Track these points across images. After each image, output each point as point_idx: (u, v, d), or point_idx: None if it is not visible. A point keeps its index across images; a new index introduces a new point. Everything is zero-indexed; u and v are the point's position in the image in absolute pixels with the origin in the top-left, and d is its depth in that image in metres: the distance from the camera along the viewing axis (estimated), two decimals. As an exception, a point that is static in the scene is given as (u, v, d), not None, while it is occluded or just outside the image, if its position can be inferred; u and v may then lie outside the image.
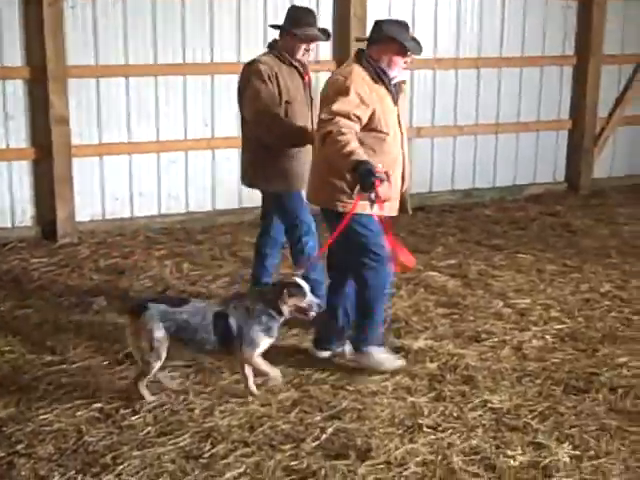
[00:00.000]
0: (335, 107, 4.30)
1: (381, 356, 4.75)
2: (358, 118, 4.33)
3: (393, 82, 4.54)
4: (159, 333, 4.19)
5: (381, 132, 4.46)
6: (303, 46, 5.24)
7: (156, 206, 7.67)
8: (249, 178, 5.44)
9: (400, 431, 4.06)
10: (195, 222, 7.69)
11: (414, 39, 4.55)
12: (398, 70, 4.53)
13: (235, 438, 3.95)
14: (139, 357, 4.27)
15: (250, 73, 5.17)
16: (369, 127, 4.42)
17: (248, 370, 4.38)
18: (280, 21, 5.37)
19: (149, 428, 4.03)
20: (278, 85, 5.13)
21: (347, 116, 4.29)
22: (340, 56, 7.81)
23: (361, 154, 4.19)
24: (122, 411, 4.19)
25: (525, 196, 9.02)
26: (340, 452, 3.85)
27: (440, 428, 4.09)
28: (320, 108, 4.50)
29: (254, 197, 7.89)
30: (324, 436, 3.98)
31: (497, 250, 7.06)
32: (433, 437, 4.01)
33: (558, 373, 4.72)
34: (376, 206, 4.31)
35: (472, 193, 8.83)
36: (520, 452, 3.89)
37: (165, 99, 7.54)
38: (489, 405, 4.34)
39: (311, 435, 3.99)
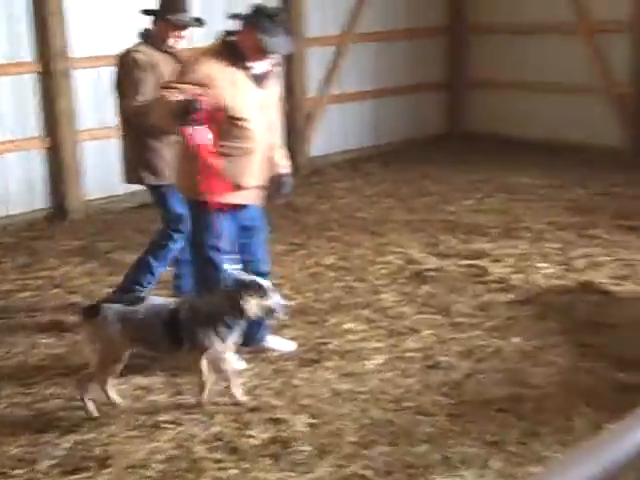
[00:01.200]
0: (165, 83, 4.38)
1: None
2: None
3: (253, 72, 4.39)
4: (117, 335, 3.99)
5: (235, 118, 4.31)
6: (175, 33, 5.12)
7: None
8: (133, 173, 5.25)
9: (141, 432, 3.99)
10: None
11: (287, 32, 4.40)
12: (258, 63, 4.38)
13: (-41, 473, 3.69)
14: (95, 361, 4.07)
15: (128, 63, 5.04)
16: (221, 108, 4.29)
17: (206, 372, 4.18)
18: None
19: None
20: (156, 74, 5.00)
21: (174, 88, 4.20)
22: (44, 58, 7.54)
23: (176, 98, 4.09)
24: None
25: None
26: (79, 466, 3.72)
27: (181, 421, 4.08)
28: None
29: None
30: (60, 452, 3.82)
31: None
32: (174, 432, 3.98)
33: (291, 348, 4.88)
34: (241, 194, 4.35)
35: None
36: (261, 430, 3.98)
37: None
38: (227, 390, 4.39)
39: (46, 454, 3.81)
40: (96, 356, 4.14)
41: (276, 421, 4.05)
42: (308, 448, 3.80)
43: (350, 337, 4.99)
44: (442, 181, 8.87)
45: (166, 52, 5.15)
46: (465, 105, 11.05)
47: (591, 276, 5.66)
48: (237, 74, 4.34)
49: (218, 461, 3.73)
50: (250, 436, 3.92)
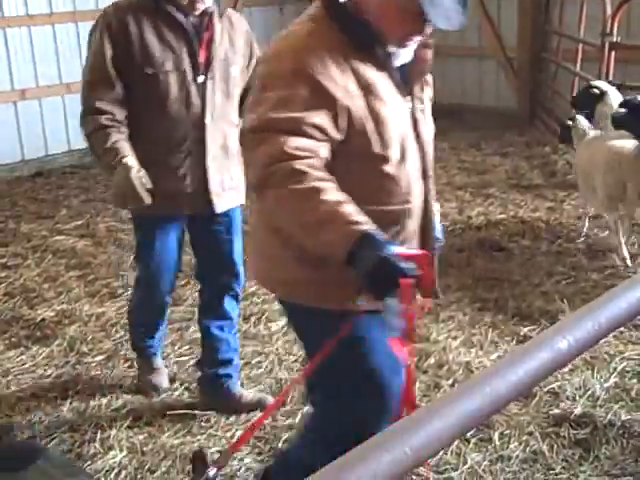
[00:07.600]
0: (267, 115, 2.19)
1: None
2: (321, 130, 2.20)
3: (397, 62, 2.39)
4: None
5: (372, 154, 2.31)
6: None
7: None
8: None
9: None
10: None
11: None
12: (403, 43, 2.36)
13: None
14: None
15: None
16: (347, 146, 2.28)
17: None
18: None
19: None
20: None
21: (297, 132, 2.17)
22: None
23: (362, 220, 2.13)
24: None
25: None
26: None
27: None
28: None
29: None
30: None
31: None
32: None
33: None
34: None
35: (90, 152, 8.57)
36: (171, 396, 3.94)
37: None
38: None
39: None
40: None
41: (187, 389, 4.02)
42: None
43: (254, 300, 4.98)
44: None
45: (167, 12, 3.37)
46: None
47: (488, 233, 5.80)
48: (368, 68, 2.33)
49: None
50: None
